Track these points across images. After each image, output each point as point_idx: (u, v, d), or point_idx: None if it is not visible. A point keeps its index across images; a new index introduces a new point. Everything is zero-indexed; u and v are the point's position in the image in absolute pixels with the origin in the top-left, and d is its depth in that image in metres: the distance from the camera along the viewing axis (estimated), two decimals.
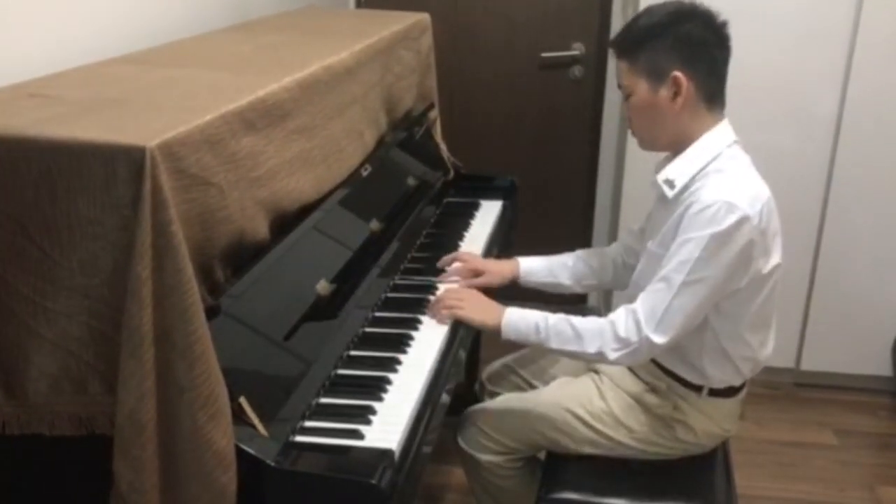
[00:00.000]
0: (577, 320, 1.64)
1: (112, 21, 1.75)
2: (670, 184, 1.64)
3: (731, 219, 1.51)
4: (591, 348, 1.60)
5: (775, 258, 1.62)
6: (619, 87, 1.68)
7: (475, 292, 1.82)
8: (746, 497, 2.34)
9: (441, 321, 1.70)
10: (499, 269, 1.94)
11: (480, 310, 1.73)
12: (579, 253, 1.99)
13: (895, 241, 2.75)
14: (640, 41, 1.60)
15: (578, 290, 2.00)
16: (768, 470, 2.55)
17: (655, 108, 1.62)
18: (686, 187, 1.61)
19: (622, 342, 1.58)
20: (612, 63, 3.10)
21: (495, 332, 1.71)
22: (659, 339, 1.56)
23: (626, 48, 1.63)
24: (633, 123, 1.69)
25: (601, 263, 1.97)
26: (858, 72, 2.60)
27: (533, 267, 1.97)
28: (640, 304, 1.58)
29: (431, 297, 1.79)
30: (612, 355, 1.59)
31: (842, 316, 2.86)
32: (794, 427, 2.77)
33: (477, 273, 1.91)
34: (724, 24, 1.61)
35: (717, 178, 1.58)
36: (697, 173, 1.61)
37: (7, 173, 1.10)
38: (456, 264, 1.94)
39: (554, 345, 1.65)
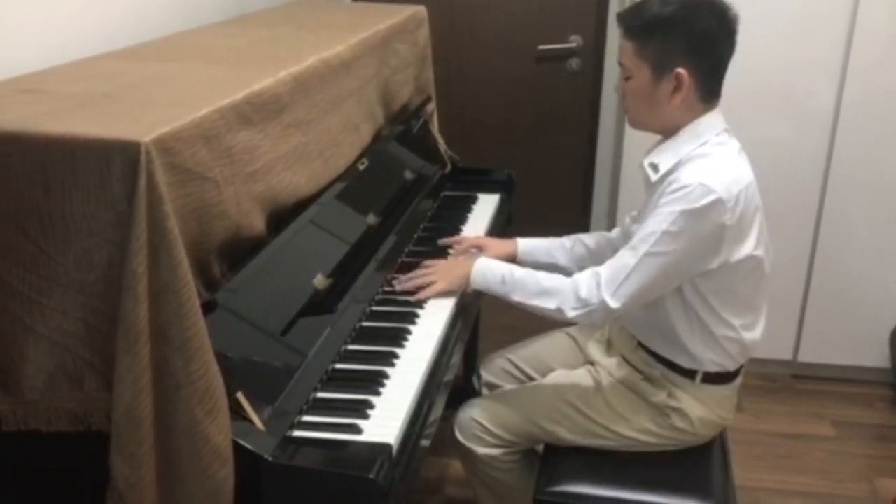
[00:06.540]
0: (543, 276, 1.69)
1: (106, 16, 1.74)
2: (655, 167, 1.66)
3: (705, 200, 1.52)
4: (552, 304, 1.65)
5: (751, 243, 1.62)
6: (620, 64, 1.67)
7: (440, 261, 1.86)
8: (744, 489, 2.34)
9: (420, 296, 1.75)
10: (498, 247, 1.97)
11: (448, 273, 1.79)
12: (580, 236, 2.02)
13: (892, 232, 2.75)
14: (653, 28, 1.58)
15: (576, 271, 2.01)
16: (766, 462, 2.55)
17: (653, 98, 1.63)
18: (669, 171, 1.63)
19: (581, 302, 1.62)
20: (609, 58, 3.13)
21: (466, 284, 1.75)
22: (614, 304, 1.59)
23: (636, 31, 1.61)
24: (628, 103, 1.69)
25: (600, 247, 1.98)
26: (855, 65, 2.59)
27: (531, 247, 2.00)
28: (605, 268, 1.63)
29: None
30: (570, 313, 1.64)
31: (839, 307, 2.86)
32: (791, 419, 2.77)
33: (478, 248, 1.95)
34: (735, 19, 1.59)
35: (700, 161, 1.60)
36: (682, 158, 1.62)
37: (1, 169, 1.10)
38: (458, 247, 1.97)
39: (517, 297, 1.69)
